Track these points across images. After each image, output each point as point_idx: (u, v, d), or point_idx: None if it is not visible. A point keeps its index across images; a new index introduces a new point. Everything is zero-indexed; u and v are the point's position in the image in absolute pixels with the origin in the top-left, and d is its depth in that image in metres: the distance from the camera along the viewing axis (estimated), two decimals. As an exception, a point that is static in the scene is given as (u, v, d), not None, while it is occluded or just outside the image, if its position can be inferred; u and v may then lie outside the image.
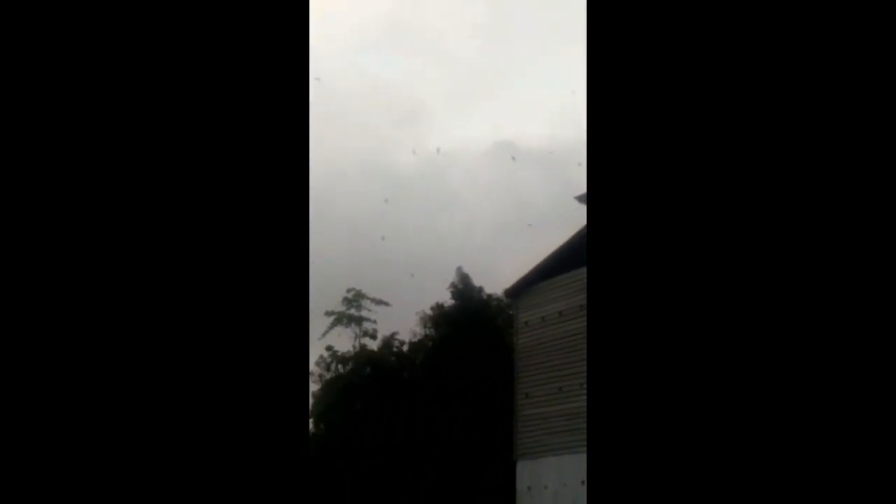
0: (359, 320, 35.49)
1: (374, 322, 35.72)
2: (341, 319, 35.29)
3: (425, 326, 31.92)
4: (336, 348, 34.68)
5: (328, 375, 33.79)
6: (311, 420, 31.88)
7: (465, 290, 30.28)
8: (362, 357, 33.58)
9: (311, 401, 31.63)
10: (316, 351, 34.84)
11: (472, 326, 28.71)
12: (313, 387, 33.52)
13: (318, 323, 34.27)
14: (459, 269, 30.59)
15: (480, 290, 30.58)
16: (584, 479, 18.13)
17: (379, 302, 35.57)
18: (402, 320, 33.91)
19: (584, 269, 20.56)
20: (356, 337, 35.28)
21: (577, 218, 21.27)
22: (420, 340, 32.03)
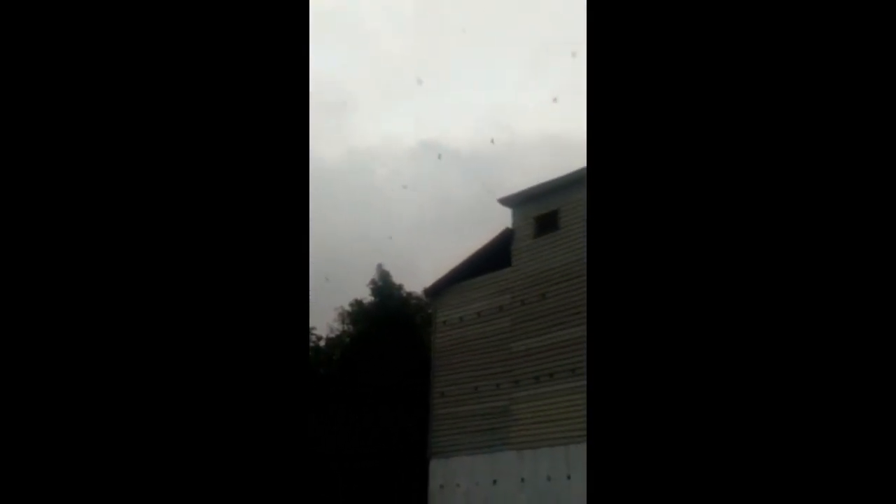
0: (276, 314, 35.03)
1: (292, 316, 35.29)
2: (258, 313, 34.80)
3: (343, 322, 31.76)
4: (252, 341, 34.15)
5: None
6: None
7: (384, 288, 30.22)
8: (278, 351, 33.12)
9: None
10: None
11: (391, 324, 28.67)
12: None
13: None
14: (380, 267, 30.53)
15: (400, 287, 30.56)
16: (496, 479, 18.15)
17: (297, 296, 35.16)
18: (321, 315, 33.70)
19: (503, 271, 20.76)
20: (273, 331, 34.81)
21: (500, 220, 21.47)
22: (338, 336, 31.86)
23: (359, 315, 30.76)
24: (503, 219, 21.34)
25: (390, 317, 29.01)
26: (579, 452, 17.88)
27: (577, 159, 19.87)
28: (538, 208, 20.45)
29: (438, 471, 20.93)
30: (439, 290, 22.54)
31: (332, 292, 34.22)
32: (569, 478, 17.97)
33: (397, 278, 30.75)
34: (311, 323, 34.33)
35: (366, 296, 30.83)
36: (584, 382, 18.14)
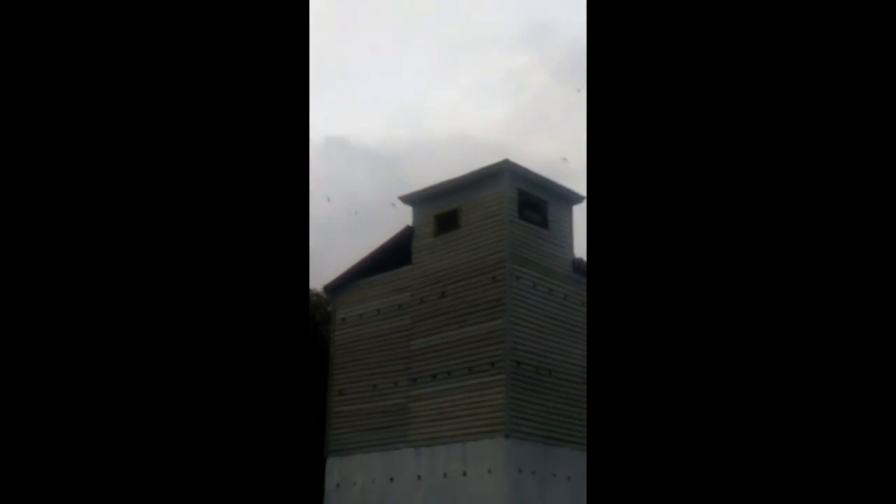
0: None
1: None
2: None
3: (241, 319, 31.26)
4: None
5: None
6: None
7: (284, 284, 29.89)
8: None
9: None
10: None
11: (290, 321, 28.35)
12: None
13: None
14: (279, 263, 30.18)
15: (300, 284, 30.27)
16: (393, 476, 18.11)
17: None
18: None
19: (403, 269, 20.78)
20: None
21: (401, 218, 21.47)
22: (235, 333, 31.32)
23: (257, 311, 30.29)
24: (405, 217, 21.38)
25: (289, 313, 28.64)
26: (475, 449, 18.05)
27: (485, 158, 19.97)
28: (439, 207, 20.54)
29: (335, 469, 20.82)
30: (339, 287, 22.42)
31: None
32: (465, 474, 18.12)
33: (297, 275, 30.42)
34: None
35: (264, 292, 30.42)
36: (481, 380, 18.31)
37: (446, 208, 20.37)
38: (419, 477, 18.89)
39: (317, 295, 29.36)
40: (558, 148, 53.16)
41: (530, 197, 19.84)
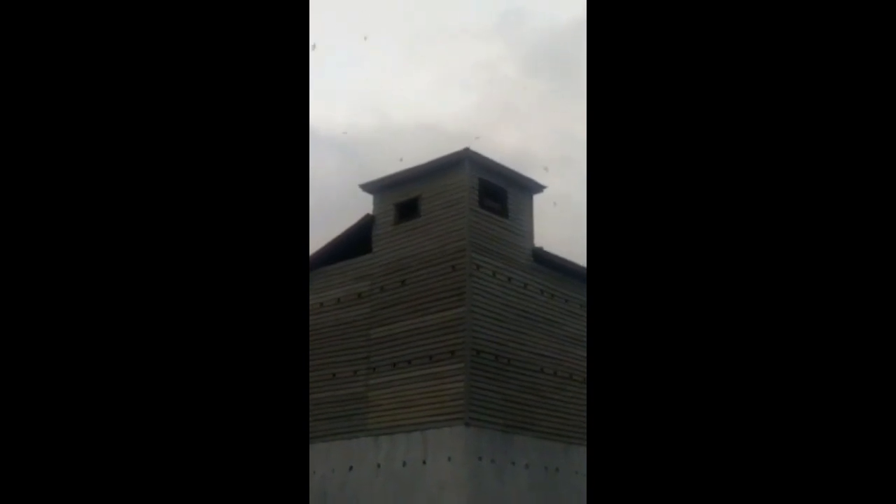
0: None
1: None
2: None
3: (199, 307, 31.05)
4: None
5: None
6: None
7: (242, 272, 29.71)
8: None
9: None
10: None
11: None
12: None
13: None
14: (238, 251, 29.97)
15: (259, 272, 30.11)
16: (352, 465, 18.03)
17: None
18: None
19: (363, 257, 20.71)
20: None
21: (363, 206, 21.38)
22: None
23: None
24: (366, 205, 21.30)
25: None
26: (435, 437, 18.08)
27: (450, 148, 19.90)
28: (399, 195, 20.49)
29: (294, 458, 20.73)
30: (298, 275, 22.29)
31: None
32: (424, 463, 18.16)
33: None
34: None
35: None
36: (441, 369, 18.34)
37: (406, 196, 20.33)
38: (379, 465, 18.89)
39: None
40: (524, 138, 53.30)
41: (491, 186, 19.87)
